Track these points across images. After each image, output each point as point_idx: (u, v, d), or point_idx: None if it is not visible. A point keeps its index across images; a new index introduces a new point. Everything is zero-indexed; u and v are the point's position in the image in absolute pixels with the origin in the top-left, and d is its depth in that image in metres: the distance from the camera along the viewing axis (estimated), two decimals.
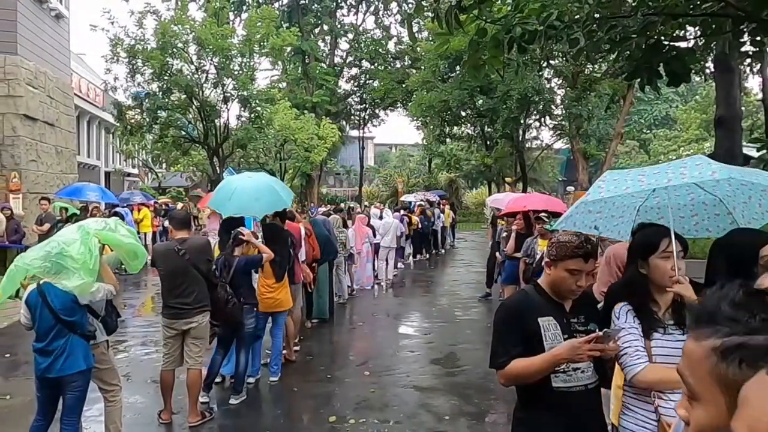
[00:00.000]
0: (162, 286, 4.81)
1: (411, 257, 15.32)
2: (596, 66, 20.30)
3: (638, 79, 4.28)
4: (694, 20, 4.38)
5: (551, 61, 21.69)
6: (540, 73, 22.36)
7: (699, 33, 4.61)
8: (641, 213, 2.69)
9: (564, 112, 23.58)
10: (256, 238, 5.73)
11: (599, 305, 2.50)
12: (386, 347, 7.31)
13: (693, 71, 4.35)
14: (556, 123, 25.66)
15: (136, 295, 11.34)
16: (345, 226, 10.19)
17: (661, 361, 2.14)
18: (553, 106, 24.53)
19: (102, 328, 3.85)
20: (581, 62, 17.82)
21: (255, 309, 5.43)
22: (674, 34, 4.56)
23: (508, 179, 28.07)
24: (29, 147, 15.34)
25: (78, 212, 12.21)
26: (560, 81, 24.59)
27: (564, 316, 2.25)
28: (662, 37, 4.26)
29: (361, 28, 36.72)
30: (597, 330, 2.10)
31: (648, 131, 42.73)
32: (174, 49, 17.34)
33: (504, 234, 9.37)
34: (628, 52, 4.30)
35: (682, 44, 4.55)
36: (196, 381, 4.71)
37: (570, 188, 23.56)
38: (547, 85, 24.09)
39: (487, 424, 4.89)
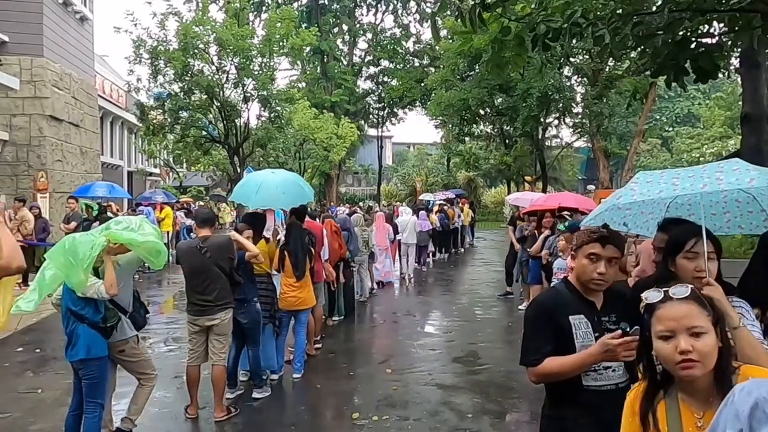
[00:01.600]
0: (186, 283, 4.88)
1: (431, 256, 15.33)
2: (617, 63, 20.05)
3: (664, 76, 4.24)
4: (721, 16, 4.32)
5: (571, 59, 21.52)
6: (560, 70, 22.19)
7: (726, 29, 4.55)
8: (671, 209, 2.66)
9: (584, 110, 23.35)
10: (276, 235, 5.84)
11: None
12: (407, 345, 7.33)
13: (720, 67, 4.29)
14: (577, 121, 25.44)
15: (160, 292, 11.51)
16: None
17: None
18: (573, 104, 24.31)
19: (131, 324, 3.93)
20: (604, 59, 17.63)
21: (255, 303, 5.32)
22: (701, 30, 4.51)
23: (527, 178, 27.89)
24: (55, 147, 15.66)
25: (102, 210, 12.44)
26: (580, 78, 24.36)
27: (595, 314, 2.23)
28: (688, 34, 4.22)
29: (379, 28, 36.76)
30: (628, 329, 2.09)
31: (670, 129, 42.09)
32: (195, 50, 17.54)
33: (526, 232, 9.34)
34: (653, 49, 4.27)
35: (709, 40, 4.49)
36: (221, 376, 4.77)
37: (590, 187, 23.36)
38: (568, 83, 23.88)
39: (510, 422, 4.88)
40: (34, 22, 14.83)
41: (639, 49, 4.48)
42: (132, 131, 27.45)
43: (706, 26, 4.62)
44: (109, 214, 10.60)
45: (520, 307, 9.16)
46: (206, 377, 4.91)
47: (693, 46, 4.05)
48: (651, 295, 1.55)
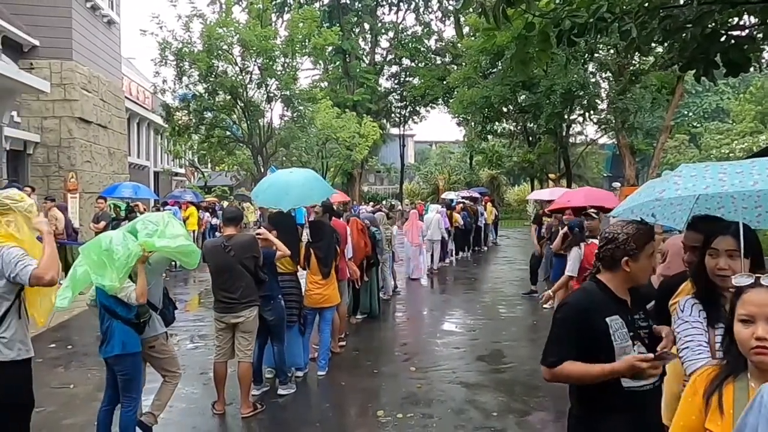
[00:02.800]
0: (212, 281, 4.95)
1: (453, 254, 15.28)
2: (643, 57, 19.72)
3: (693, 70, 4.16)
4: (752, 7, 4.22)
5: (596, 54, 21.23)
6: (585, 66, 21.91)
7: (758, 21, 4.44)
8: (700, 201, 2.59)
9: (609, 105, 23.02)
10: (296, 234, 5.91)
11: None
12: (431, 343, 7.33)
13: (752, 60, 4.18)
14: (601, 117, 25.08)
15: (186, 290, 11.69)
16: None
17: None
18: (597, 100, 23.98)
19: (161, 320, 4.01)
20: (630, 54, 17.34)
21: (280, 300, 5.37)
22: (731, 23, 4.41)
23: (551, 175, 27.59)
24: (84, 149, 16.00)
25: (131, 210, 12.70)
26: (605, 74, 24.00)
27: (628, 312, 2.20)
28: (718, 26, 4.13)
29: (401, 26, 36.72)
30: (651, 324, 2.06)
31: (698, 125, 41.22)
32: (219, 51, 17.78)
33: (543, 231, 9.27)
34: (681, 43, 4.19)
35: (740, 32, 4.39)
36: (247, 373, 4.83)
37: (616, 184, 22.94)
38: (592, 79, 23.54)
39: (536, 421, 4.84)
40: (64, 27, 15.16)
41: (667, 43, 4.40)
42: (158, 132, 27.91)
43: (737, 18, 4.51)
44: (137, 213, 10.82)
45: (545, 306, 9.07)
46: (232, 374, 4.98)
47: (723, 39, 3.95)
48: (741, 279, 1.57)
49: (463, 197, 19.24)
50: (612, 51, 20.61)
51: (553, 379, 2.21)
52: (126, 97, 21.06)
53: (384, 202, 15.36)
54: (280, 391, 5.27)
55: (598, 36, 3.99)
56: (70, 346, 7.13)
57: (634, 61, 20.93)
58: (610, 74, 23.25)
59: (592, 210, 6.34)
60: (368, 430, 4.66)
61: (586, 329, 2.13)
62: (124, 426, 3.84)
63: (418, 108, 38.53)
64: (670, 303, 2.55)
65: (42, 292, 3.14)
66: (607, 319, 2.13)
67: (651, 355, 2.00)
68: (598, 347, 2.11)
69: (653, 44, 4.47)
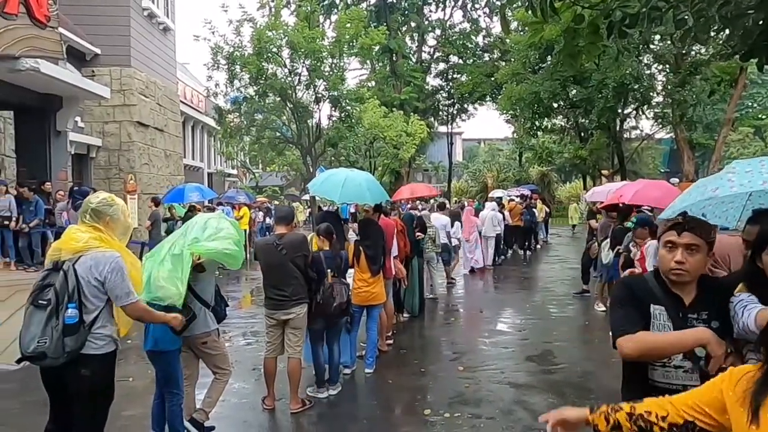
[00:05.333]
0: (263, 278, 5.07)
1: (502, 253, 15.12)
2: (702, 47, 18.86)
3: (755, 59, 3.95)
4: None
5: (650, 45, 20.46)
6: (639, 58, 21.16)
7: None
8: (753, 197, 2.45)
9: (666, 98, 22.16)
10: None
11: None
12: (479, 343, 7.26)
13: None
14: (658, 111, 24.18)
15: (238, 288, 12.00)
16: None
17: None
18: (653, 93, 23.12)
19: (213, 317, 4.12)
20: (687, 44, 16.62)
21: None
22: None
23: (604, 172, 26.82)
24: (142, 151, 16.67)
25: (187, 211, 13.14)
26: (661, 66, 23.11)
27: (680, 309, 2.09)
28: None
29: (448, 23, 36.46)
30: (719, 327, 1.95)
31: (764, 117, 39.08)
32: (269, 54, 18.12)
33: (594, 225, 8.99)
34: (743, 30, 3.98)
35: None
36: (296, 369, 4.91)
37: (674, 180, 22.04)
38: (647, 71, 22.72)
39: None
40: (123, 35, 15.84)
41: (726, 31, 4.20)
42: (211, 134, 28.75)
43: None
44: (196, 212, 11.22)
45: (596, 306, 8.84)
46: (282, 370, 5.07)
47: None
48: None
49: (514, 195, 18.99)
50: (668, 41, 19.81)
51: (632, 348, 2.01)
52: (181, 101, 21.80)
53: (431, 202, 15.27)
54: (330, 389, 5.32)
55: (652, 26, 3.84)
56: (129, 341, 7.42)
57: (693, 51, 20.05)
58: (666, 66, 22.38)
59: (646, 208, 6.13)
60: (415, 428, 4.65)
61: (635, 306, 2.10)
62: (171, 420, 3.98)
63: (465, 105, 38.14)
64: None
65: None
66: (652, 307, 2.09)
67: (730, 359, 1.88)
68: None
69: (712, 33, 4.27)
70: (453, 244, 11.63)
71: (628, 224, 6.37)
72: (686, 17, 3.54)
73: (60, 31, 9.69)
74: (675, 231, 2.08)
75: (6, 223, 9.56)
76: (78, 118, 14.55)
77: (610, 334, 2.13)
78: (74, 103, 12.11)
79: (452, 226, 11.39)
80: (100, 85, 13.40)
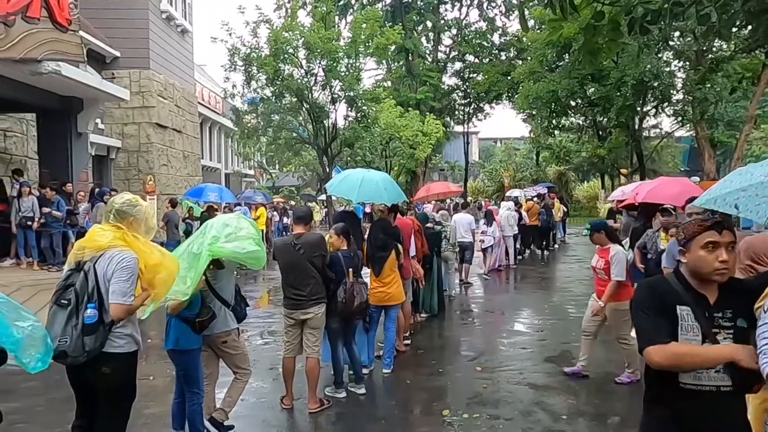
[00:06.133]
0: (281, 278, 5.08)
1: (519, 253, 15.04)
2: (724, 43, 18.55)
3: None
4: None
5: (670, 42, 20.18)
6: (658, 55, 20.88)
7: None
8: None
9: (686, 96, 21.83)
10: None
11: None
12: (497, 343, 7.21)
13: None
14: (678, 109, 23.82)
15: (256, 288, 12.06)
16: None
17: None
18: (672, 91, 22.79)
19: (233, 316, 4.15)
20: (710, 40, 16.36)
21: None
22: None
23: (623, 171, 26.51)
24: (161, 152, 16.85)
25: (204, 211, 13.27)
26: (681, 63, 22.77)
27: (706, 308, 2.06)
28: None
29: (464, 22, 36.32)
30: (746, 325, 1.90)
31: None
32: (285, 55, 18.21)
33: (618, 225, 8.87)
34: (767, 26, 3.90)
35: None
36: (314, 369, 4.92)
37: (694, 179, 21.72)
38: (666, 69, 22.39)
39: (609, 425, 4.66)
40: (142, 38, 16.04)
41: (750, 26, 4.12)
42: (228, 135, 28.99)
43: None
44: (217, 213, 11.34)
45: None
46: (300, 369, 5.09)
47: None
48: None
49: (530, 194, 18.86)
50: (689, 38, 19.51)
51: (662, 360, 2.00)
52: (199, 103, 22.01)
53: (447, 201, 15.25)
54: (359, 390, 5.32)
55: (674, 22, 3.78)
56: (149, 340, 7.51)
57: (714, 47, 19.72)
58: (686, 63, 22.05)
59: (670, 206, 6.04)
60: (434, 429, 4.63)
61: (659, 309, 2.07)
62: (190, 419, 4.01)
63: (482, 105, 37.98)
64: (756, 306, 2.38)
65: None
66: (678, 307, 2.06)
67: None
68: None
69: (735, 28, 4.18)
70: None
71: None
72: (710, 12, 3.49)
73: (81, 35, 9.82)
74: (715, 230, 2.04)
75: (29, 223, 9.73)
76: (98, 120, 14.75)
77: (635, 338, 2.11)
78: (95, 105, 12.27)
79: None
80: (120, 87, 13.57)
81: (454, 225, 10.22)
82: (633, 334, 5.12)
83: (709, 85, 19.96)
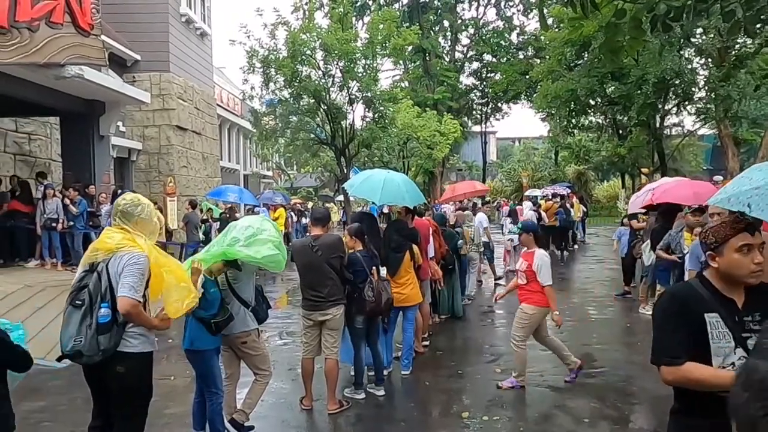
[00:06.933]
0: (299, 279, 5.10)
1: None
2: (748, 39, 18.16)
3: None
4: None
5: (692, 39, 19.82)
6: (680, 52, 20.53)
7: None
8: None
9: (708, 93, 21.42)
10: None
11: None
12: None
13: None
14: (700, 106, 23.40)
15: (274, 288, 12.13)
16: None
17: None
18: (695, 89, 22.38)
19: (253, 317, 4.17)
20: (734, 37, 16.03)
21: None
22: None
23: (644, 170, 26.12)
24: (181, 154, 17.04)
25: (223, 212, 13.38)
26: (703, 60, 22.36)
27: (735, 312, 2.01)
28: None
29: (481, 22, 36.15)
30: None
31: None
32: (303, 57, 18.27)
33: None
34: None
35: None
36: (333, 370, 4.93)
37: (718, 178, 21.30)
38: (688, 66, 22.01)
39: (633, 429, 4.59)
40: (162, 41, 16.24)
41: None
42: (247, 137, 29.19)
43: None
44: (237, 216, 11.45)
45: (641, 310, 8.61)
46: (319, 370, 5.10)
47: None
48: None
49: (550, 194, 18.70)
50: (711, 35, 19.15)
51: (674, 381, 2.02)
52: (217, 105, 22.21)
53: (465, 202, 15.15)
54: (380, 391, 5.32)
55: (699, 18, 3.71)
56: (170, 340, 7.58)
57: (737, 44, 19.33)
58: (708, 60, 21.65)
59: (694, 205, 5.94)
60: (453, 431, 4.61)
61: (684, 321, 2.01)
62: (211, 420, 4.03)
63: (500, 104, 37.78)
64: None
65: (172, 293, 3.35)
66: (706, 315, 1.99)
67: None
68: (694, 343, 1.97)
69: (762, 24, 4.09)
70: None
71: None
72: (735, 8, 3.41)
73: (102, 39, 9.97)
74: (748, 232, 2.01)
75: (54, 225, 9.90)
76: (119, 123, 14.96)
77: (651, 350, 2.07)
78: (116, 108, 12.46)
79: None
80: (141, 90, 13.75)
81: (477, 225, 10.26)
82: (518, 342, 5.35)
83: (732, 82, 19.57)
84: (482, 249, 10.59)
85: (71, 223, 10.12)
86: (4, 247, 10.24)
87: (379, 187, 5.99)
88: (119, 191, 12.45)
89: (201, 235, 12.83)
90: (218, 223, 13.19)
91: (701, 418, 2.02)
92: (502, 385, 5.45)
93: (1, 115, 11.46)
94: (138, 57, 15.95)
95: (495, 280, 11.74)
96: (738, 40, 18.32)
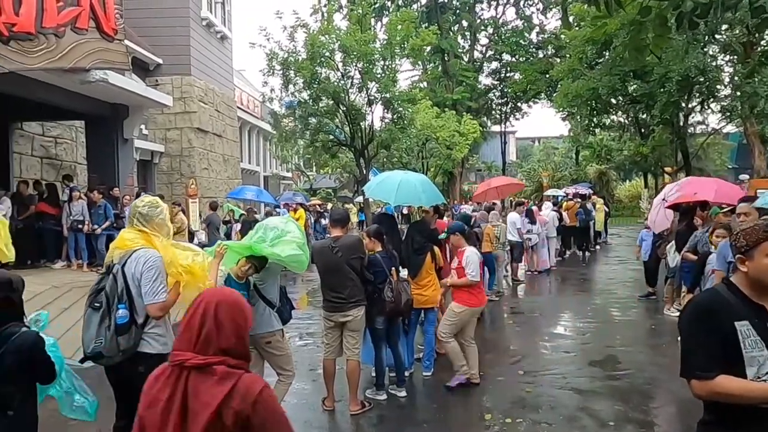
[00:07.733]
0: (320, 280, 5.12)
1: (560, 254, 14.78)
2: None
3: None
4: None
5: (716, 36, 19.47)
6: (704, 49, 20.17)
7: None
8: None
9: (734, 91, 21.01)
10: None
11: None
12: (540, 346, 7.08)
13: None
14: (725, 104, 22.96)
15: (295, 289, 12.18)
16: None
17: None
18: (719, 86, 21.97)
19: (277, 317, 4.20)
20: (763, 33, 15.70)
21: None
22: None
23: (667, 169, 25.73)
24: (202, 156, 17.23)
25: (244, 213, 13.52)
26: (728, 56, 21.93)
27: (766, 320, 1.94)
28: None
29: (500, 21, 35.93)
30: None
31: None
32: (322, 59, 18.34)
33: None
34: None
35: None
36: (355, 370, 4.93)
37: (744, 176, 20.90)
38: (713, 63, 21.61)
39: None
40: (183, 45, 16.44)
41: None
42: (266, 138, 29.41)
43: None
44: (257, 217, 11.54)
45: (666, 311, 8.47)
46: (340, 371, 5.11)
47: None
48: None
49: (571, 194, 18.51)
50: (737, 30, 18.77)
51: (706, 395, 1.95)
52: (238, 107, 22.41)
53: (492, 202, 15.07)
54: (401, 393, 5.31)
55: (726, 14, 3.64)
56: None
57: (762, 39, 18.94)
58: (734, 56, 21.24)
59: (725, 204, 5.84)
60: None
61: (714, 332, 1.93)
62: None
63: (519, 104, 37.51)
64: None
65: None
66: (736, 324, 1.91)
67: None
68: (725, 353, 1.90)
69: None
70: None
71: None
72: (765, 3, 3.34)
73: (126, 44, 10.12)
74: None
75: (80, 227, 10.08)
76: (143, 126, 15.18)
77: (680, 362, 2.01)
78: (140, 112, 12.63)
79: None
80: (163, 93, 13.93)
81: (510, 225, 10.53)
82: (445, 337, 5.39)
83: (758, 79, 19.15)
84: (508, 248, 10.82)
85: (102, 225, 10.29)
86: (32, 248, 10.45)
87: (394, 188, 6.00)
88: (142, 193, 12.63)
89: (222, 236, 12.98)
90: (240, 225, 13.32)
91: (733, 430, 1.96)
92: (450, 384, 5.41)
93: (29, 119, 11.71)
94: (160, 61, 16.17)
95: (513, 278, 11.88)
96: (765, 36, 17.95)
